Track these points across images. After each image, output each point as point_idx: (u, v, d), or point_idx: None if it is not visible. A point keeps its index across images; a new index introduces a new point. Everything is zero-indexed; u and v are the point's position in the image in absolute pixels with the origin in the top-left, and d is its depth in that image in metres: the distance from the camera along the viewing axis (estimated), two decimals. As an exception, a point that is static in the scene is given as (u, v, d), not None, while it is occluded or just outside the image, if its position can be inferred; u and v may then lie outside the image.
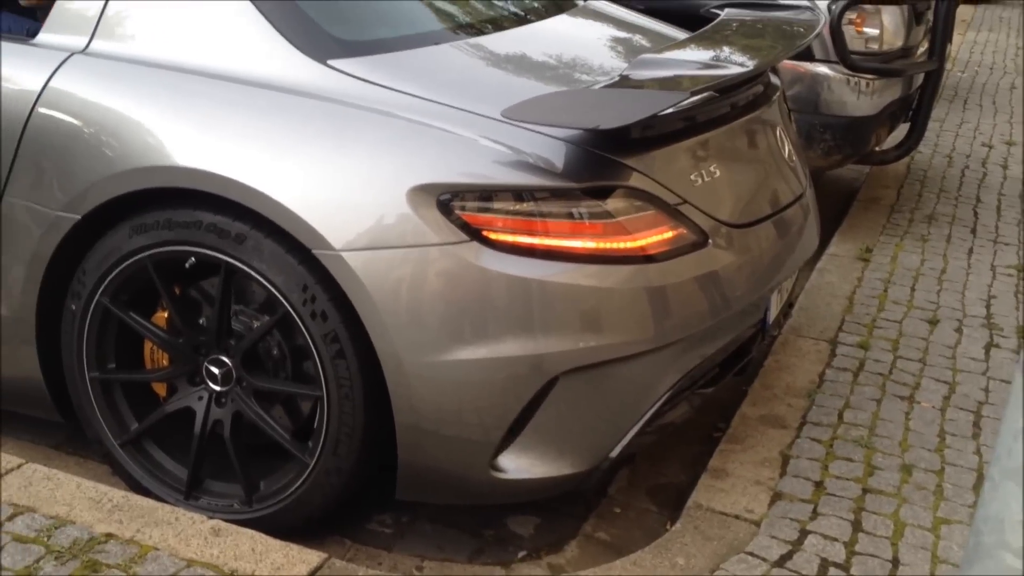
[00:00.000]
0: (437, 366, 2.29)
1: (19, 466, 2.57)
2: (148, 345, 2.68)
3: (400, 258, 2.27)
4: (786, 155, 2.98)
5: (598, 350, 2.32)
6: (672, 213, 2.43)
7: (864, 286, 4.13)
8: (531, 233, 2.29)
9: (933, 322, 3.83)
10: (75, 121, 2.53)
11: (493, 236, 2.28)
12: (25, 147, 2.57)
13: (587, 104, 2.46)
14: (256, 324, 2.53)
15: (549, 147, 2.35)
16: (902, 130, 5.09)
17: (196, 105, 2.48)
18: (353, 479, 2.49)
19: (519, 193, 2.30)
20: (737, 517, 2.61)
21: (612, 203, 2.34)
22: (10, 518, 2.37)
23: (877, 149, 4.84)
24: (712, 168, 2.60)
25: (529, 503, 2.82)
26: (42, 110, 2.55)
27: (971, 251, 4.60)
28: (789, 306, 4.13)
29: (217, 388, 2.58)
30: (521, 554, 2.65)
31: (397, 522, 2.74)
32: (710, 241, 2.49)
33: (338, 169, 2.34)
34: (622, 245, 2.34)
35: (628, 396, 2.43)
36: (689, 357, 2.51)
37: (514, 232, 2.28)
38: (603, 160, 2.38)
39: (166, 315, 2.62)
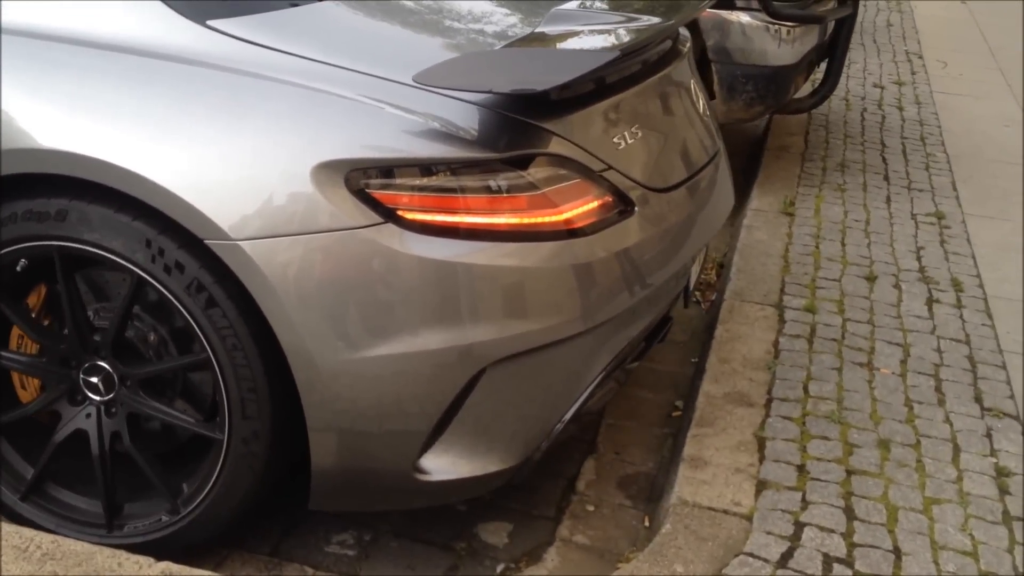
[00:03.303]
0: (353, 363, 2.05)
1: (-76, 514, 2.22)
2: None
3: (306, 245, 2.01)
4: (700, 112, 2.82)
5: (528, 336, 2.11)
6: (597, 180, 2.22)
7: (795, 243, 4.03)
8: (450, 211, 2.06)
9: (871, 279, 3.75)
10: None
11: (409, 216, 2.04)
12: None
13: (509, 65, 2.22)
14: (150, 331, 2.29)
15: (463, 113, 2.10)
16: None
17: (59, 77, 2.14)
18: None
19: (435, 166, 2.06)
20: (726, 512, 2.46)
21: (535, 172, 2.11)
22: (-76, 581, 2.04)
23: (794, 98, 4.74)
24: (634, 130, 2.40)
25: (497, 507, 2.63)
26: None
27: (889, 199, 4.56)
28: (720, 266, 4.02)
29: (101, 398, 2.31)
30: (500, 567, 2.45)
31: (359, 541, 2.50)
32: (636, 209, 2.29)
33: (230, 147, 2.05)
34: (548, 219, 2.12)
35: (559, 383, 2.24)
36: (621, 335, 2.33)
37: (432, 210, 2.05)
38: (522, 126, 2.14)
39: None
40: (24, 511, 2.38)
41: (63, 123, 2.11)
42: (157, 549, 2.23)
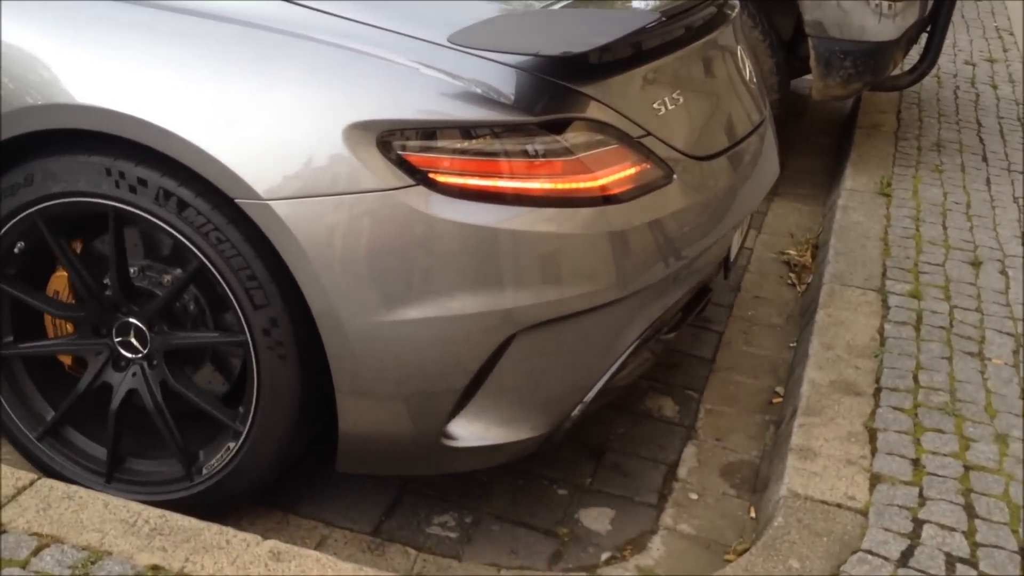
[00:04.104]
0: (381, 326, 2.02)
1: (32, 483, 2.21)
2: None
3: (336, 206, 1.99)
4: (746, 80, 2.74)
5: (559, 304, 2.07)
6: (635, 147, 2.17)
7: (894, 225, 3.91)
8: (483, 174, 2.01)
9: (975, 264, 3.62)
10: None
11: (440, 179, 2.00)
12: None
13: (547, 26, 2.17)
14: (168, 280, 2.30)
15: (499, 76, 2.05)
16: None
17: (90, 31, 2.12)
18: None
19: (469, 129, 2.01)
20: (839, 506, 2.38)
21: (570, 137, 2.06)
22: (35, 552, 2.03)
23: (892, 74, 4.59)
24: (675, 96, 2.34)
25: (597, 492, 2.57)
26: None
27: (989, 182, 4.41)
28: (815, 247, 3.91)
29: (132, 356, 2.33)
30: (605, 556, 2.39)
31: (460, 523, 2.45)
32: (675, 176, 2.24)
33: (262, 106, 2.02)
34: (583, 185, 2.07)
35: (591, 352, 2.19)
36: (656, 305, 2.28)
37: (464, 174, 2.01)
38: (559, 89, 2.09)
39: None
40: (112, 492, 2.35)
41: (98, 79, 2.08)
42: (221, 490, 2.29)
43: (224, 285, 2.11)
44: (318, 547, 2.34)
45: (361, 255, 2.00)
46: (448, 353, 2.06)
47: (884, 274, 3.51)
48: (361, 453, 2.20)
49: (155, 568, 2.01)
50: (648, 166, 2.18)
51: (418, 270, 2.01)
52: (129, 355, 2.32)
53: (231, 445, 2.27)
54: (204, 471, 2.32)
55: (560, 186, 2.05)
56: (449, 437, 2.14)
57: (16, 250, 2.28)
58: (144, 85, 2.06)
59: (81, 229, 2.32)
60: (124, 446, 2.40)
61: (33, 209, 2.20)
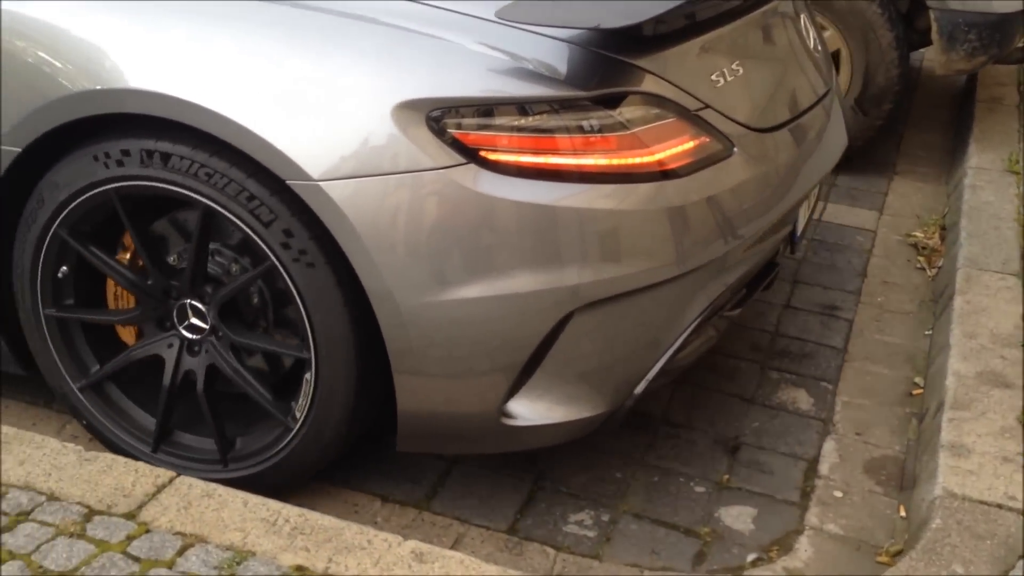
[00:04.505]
0: (436, 306, 2.01)
1: (171, 480, 2.19)
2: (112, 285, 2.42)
3: (388, 186, 1.97)
4: (809, 48, 2.65)
5: (617, 281, 2.04)
6: (693, 120, 2.12)
7: (1028, 205, 3.73)
8: (536, 151, 1.98)
9: (1119, 247, 3.44)
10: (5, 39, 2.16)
11: (492, 157, 1.97)
12: None
13: None
14: (234, 268, 2.29)
15: (551, 51, 2.03)
16: None
17: (140, 15, 2.11)
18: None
19: (521, 106, 1.98)
20: (1000, 507, 2.26)
21: (625, 112, 2.02)
22: (180, 552, 2.00)
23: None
24: (735, 67, 2.28)
25: (736, 490, 2.48)
26: None
27: (1123, 157, 4.19)
28: (942, 228, 3.76)
29: (190, 336, 2.33)
30: (751, 557, 2.30)
31: (597, 522, 2.38)
32: (735, 150, 2.18)
33: (311, 86, 2.01)
34: (640, 160, 2.03)
35: (650, 329, 2.17)
36: (718, 281, 2.24)
37: (516, 151, 1.98)
38: (613, 63, 2.05)
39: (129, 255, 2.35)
40: (156, 461, 2.35)
41: (148, 63, 2.07)
42: (271, 475, 2.29)
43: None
44: (455, 546, 2.29)
45: (413, 234, 1.99)
46: (505, 332, 2.05)
47: (1023, 256, 3.35)
48: (420, 432, 2.19)
49: (300, 569, 1.98)
50: (707, 140, 2.14)
51: (471, 248, 1.99)
52: (192, 336, 2.32)
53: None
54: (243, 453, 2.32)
55: (615, 162, 2.01)
56: (508, 416, 2.12)
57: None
58: (197, 69, 2.06)
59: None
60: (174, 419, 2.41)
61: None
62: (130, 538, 2.02)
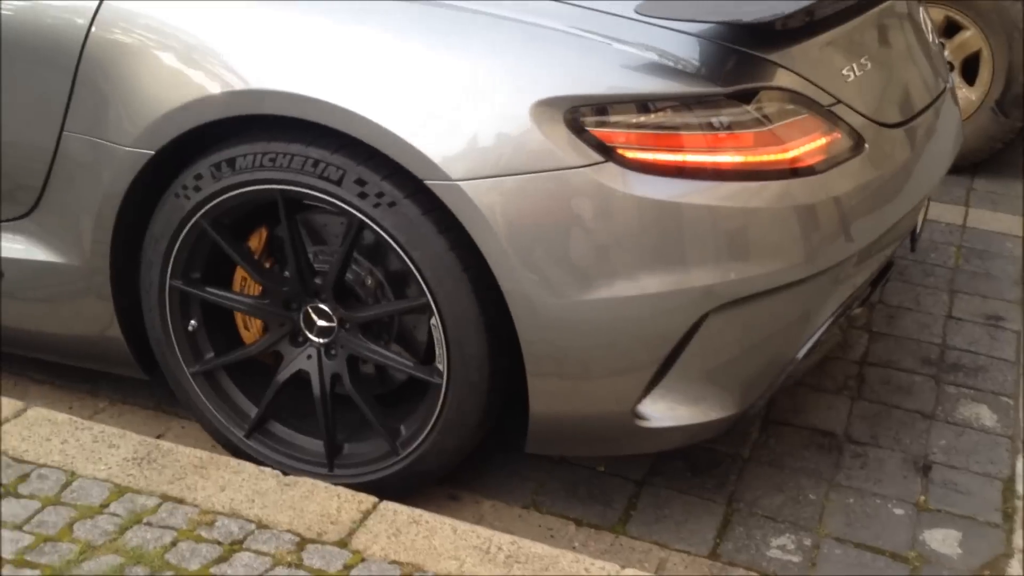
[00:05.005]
0: (573, 307, 2.00)
1: (375, 506, 2.15)
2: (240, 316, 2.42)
3: (527, 186, 1.96)
4: (928, 45, 2.62)
5: (753, 280, 2.02)
6: (826, 116, 2.10)
7: None
8: (673, 149, 1.97)
9: None
10: (140, 40, 2.16)
11: (631, 155, 1.96)
12: (84, 74, 2.19)
13: None
14: (365, 275, 2.28)
15: (685, 46, 2.02)
16: None
17: (273, 15, 2.10)
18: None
19: (657, 103, 1.97)
20: None
21: (761, 107, 2.01)
22: (400, 583, 1.96)
23: None
24: (863, 62, 2.27)
25: (935, 512, 2.40)
26: (97, 31, 2.18)
27: None
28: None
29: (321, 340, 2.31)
30: (967, 584, 2.22)
31: (800, 546, 2.31)
32: (866, 146, 2.14)
33: (447, 84, 2.00)
34: (775, 157, 2.01)
35: (783, 330, 2.15)
36: (850, 281, 2.23)
37: (654, 149, 1.97)
38: (746, 58, 2.05)
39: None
40: (249, 448, 2.37)
41: (277, 62, 2.07)
42: (377, 488, 2.24)
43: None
44: (658, 570, 2.23)
45: (552, 234, 1.97)
46: (642, 332, 2.03)
47: None
48: (551, 434, 2.19)
49: (523, 600, 1.93)
50: (839, 136, 2.11)
51: (611, 248, 1.98)
52: (311, 337, 2.30)
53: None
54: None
55: (752, 159, 1.99)
56: (641, 417, 2.10)
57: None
58: (330, 69, 2.05)
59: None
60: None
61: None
62: (348, 567, 1.98)
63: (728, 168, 1.99)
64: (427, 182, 2.00)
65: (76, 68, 2.20)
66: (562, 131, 1.95)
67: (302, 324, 2.30)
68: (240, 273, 2.36)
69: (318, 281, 2.26)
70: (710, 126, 1.98)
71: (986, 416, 2.75)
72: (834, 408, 2.76)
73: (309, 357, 2.33)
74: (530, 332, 2.05)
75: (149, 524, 2.06)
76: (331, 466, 2.33)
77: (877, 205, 2.22)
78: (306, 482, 2.21)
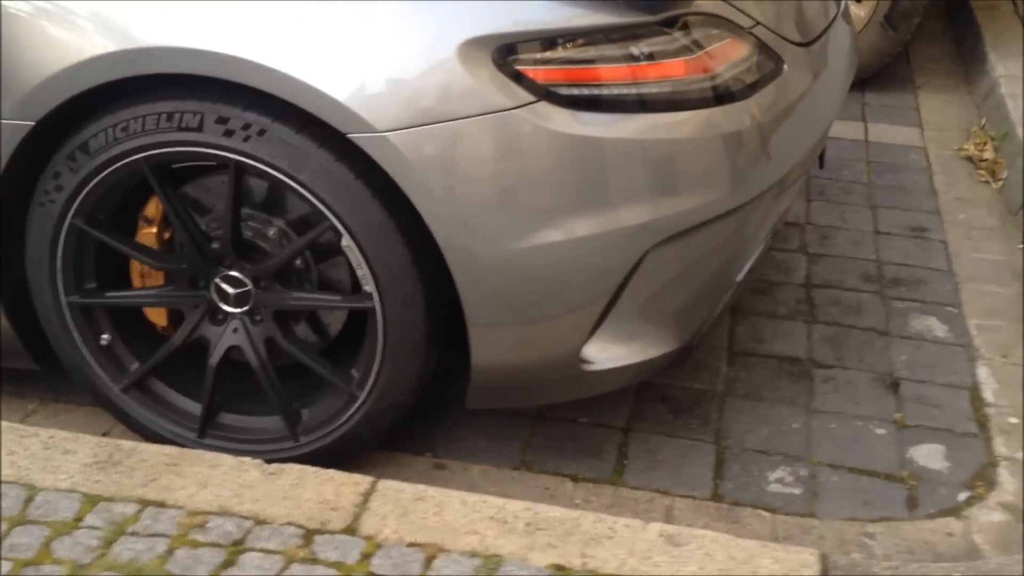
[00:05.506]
0: (516, 255, 1.92)
1: (373, 486, 2.01)
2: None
3: (458, 132, 1.84)
4: None
5: (692, 212, 1.97)
6: (747, 38, 2.05)
7: (1073, 110, 3.74)
8: (603, 83, 1.88)
9: None
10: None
11: (564, 92, 1.86)
12: None
13: None
14: (265, 227, 2.12)
15: None
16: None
17: None
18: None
19: (588, 35, 1.87)
20: None
21: (692, 33, 1.94)
22: (427, 565, 1.83)
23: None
24: None
25: (918, 428, 2.42)
26: None
27: None
28: (991, 139, 3.75)
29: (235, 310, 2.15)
30: (962, 496, 2.25)
31: (797, 477, 2.30)
32: (785, 67, 2.11)
33: (365, 28, 1.86)
34: (706, 84, 1.94)
35: (721, 260, 2.12)
36: (779, 204, 2.24)
37: (588, 85, 1.87)
38: None
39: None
40: (206, 449, 2.18)
41: (178, 17, 1.87)
42: (350, 443, 2.16)
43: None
44: (667, 518, 2.18)
45: (487, 181, 1.89)
46: (585, 275, 1.97)
47: (1095, 163, 3.36)
48: (494, 386, 2.11)
49: (559, 568, 1.84)
50: (761, 58, 2.06)
51: (548, 192, 1.90)
52: (229, 309, 2.15)
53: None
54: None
55: (684, 88, 1.92)
56: (585, 361, 2.04)
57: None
58: (239, 19, 1.87)
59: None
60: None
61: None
62: (366, 556, 1.84)
63: (660, 99, 1.91)
64: (350, 135, 1.86)
65: None
66: (491, 72, 1.83)
67: (216, 298, 2.14)
68: (137, 267, 2.19)
69: (216, 247, 2.09)
70: (640, 57, 1.89)
71: (937, 328, 2.79)
72: (793, 334, 2.75)
73: (235, 331, 2.16)
74: (468, 281, 1.95)
75: (135, 534, 1.87)
76: (295, 436, 2.18)
77: (799, 126, 2.19)
78: (293, 468, 2.05)
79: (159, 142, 1.95)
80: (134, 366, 2.22)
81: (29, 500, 1.93)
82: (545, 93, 1.85)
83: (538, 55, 1.85)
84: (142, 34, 1.90)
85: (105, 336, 2.20)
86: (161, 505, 1.94)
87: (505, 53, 1.84)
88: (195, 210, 2.12)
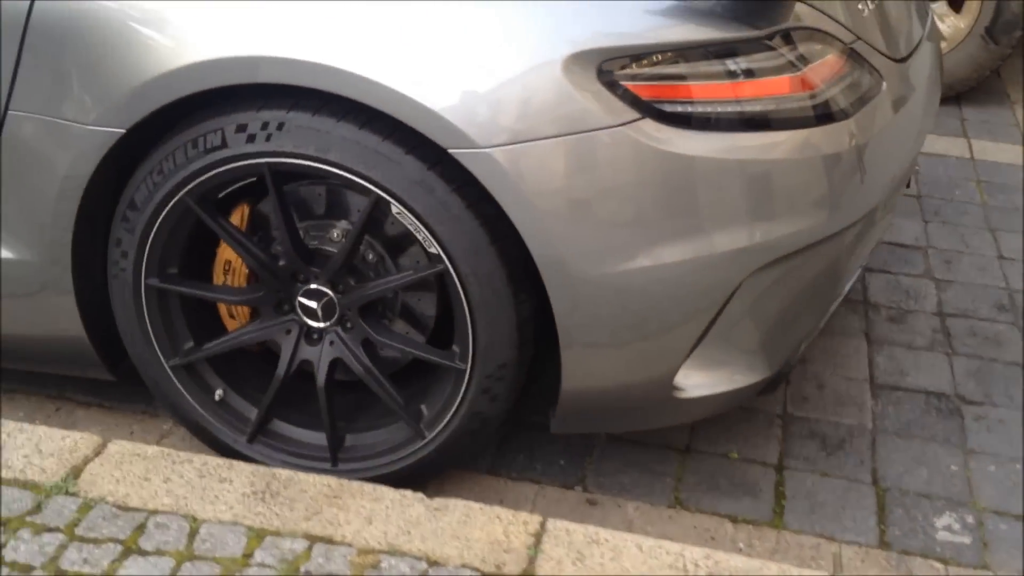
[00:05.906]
0: (616, 276, 1.85)
1: (543, 526, 1.92)
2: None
3: (561, 149, 1.78)
4: None
5: (795, 236, 1.90)
6: (848, 54, 1.98)
7: None
8: (712, 100, 1.81)
9: None
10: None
11: (670, 109, 1.79)
12: (32, 46, 1.89)
13: None
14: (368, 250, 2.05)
15: None
16: None
17: None
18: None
19: (694, 51, 1.80)
20: None
21: (798, 49, 1.87)
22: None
23: None
24: None
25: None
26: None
27: None
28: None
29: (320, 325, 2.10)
30: None
31: (964, 525, 2.21)
32: (884, 84, 2.05)
33: (468, 43, 1.79)
34: (814, 102, 1.87)
35: (819, 286, 2.07)
36: (878, 227, 2.19)
37: (693, 102, 1.80)
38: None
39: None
40: (342, 473, 2.11)
41: (270, 25, 1.80)
42: (409, 476, 2.09)
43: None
44: (836, 566, 2.09)
45: (590, 200, 1.81)
46: (684, 300, 1.90)
47: None
48: (583, 410, 2.05)
49: None
50: (864, 75, 2.00)
51: (652, 211, 1.82)
52: (320, 325, 2.09)
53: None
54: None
55: (792, 105, 1.84)
56: (677, 388, 1.99)
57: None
58: (336, 29, 1.80)
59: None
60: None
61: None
62: (553, 606, 1.76)
63: (772, 117, 1.84)
64: (452, 151, 1.79)
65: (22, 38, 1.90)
66: (596, 88, 1.76)
67: (304, 317, 2.09)
68: (223, 309, 2.15)
69: (283, 263, 2.04)
70: (752, 73, 1.81)
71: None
72: (935, 367, 2.66)
73: (332, 343, 2.10)
74: (565, 303, 1.87)
75: (310, 574, 1.78)
76: (422, 433, 2.09)
77: (897, 146, 2.13)
78: (457, 504, 1.96)
79: (193, 172, 1.90)
80: (252, 414, 2.14)
81: (193, 533, 1.84)
82: (649, 110, 1.78)
83: (642, 70, 1.78)
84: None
85: (218, 392, 2.14)
86: (329, 541, 1.86)
87: (610, 68, 1.76)
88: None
